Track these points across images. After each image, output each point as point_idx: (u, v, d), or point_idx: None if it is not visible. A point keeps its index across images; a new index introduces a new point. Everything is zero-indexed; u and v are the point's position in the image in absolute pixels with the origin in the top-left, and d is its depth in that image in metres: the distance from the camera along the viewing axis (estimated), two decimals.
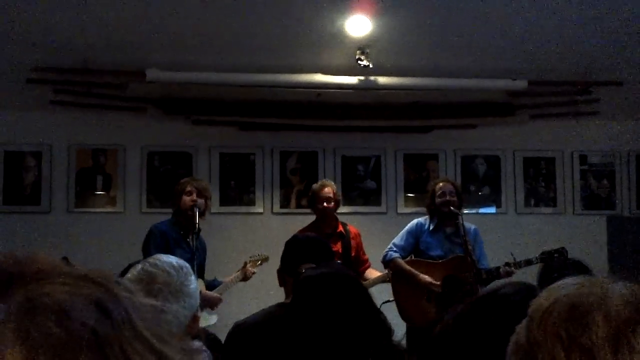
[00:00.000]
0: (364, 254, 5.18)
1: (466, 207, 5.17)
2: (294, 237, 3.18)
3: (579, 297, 0.91)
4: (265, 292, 4.87)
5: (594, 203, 6.87)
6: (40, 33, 4.78)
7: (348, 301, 2.01)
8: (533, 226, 6.59)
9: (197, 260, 4.30)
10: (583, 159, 6.89)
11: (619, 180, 6.90)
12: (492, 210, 6.72)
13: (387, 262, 4.90)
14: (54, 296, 0.52)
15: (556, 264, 3.16)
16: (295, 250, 2.87)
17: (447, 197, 4.80)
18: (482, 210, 6.66)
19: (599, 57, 5.42)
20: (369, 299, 2.10)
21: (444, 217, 4.84)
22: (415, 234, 4.94)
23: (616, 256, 6.46)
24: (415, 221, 5.02)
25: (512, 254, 4.73)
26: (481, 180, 6.75)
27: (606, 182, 6.91)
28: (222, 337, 2.91)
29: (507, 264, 4.69)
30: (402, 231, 5.02)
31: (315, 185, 5.18)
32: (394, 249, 4.93)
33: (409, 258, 4.96)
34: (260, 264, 5.03)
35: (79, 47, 5.03)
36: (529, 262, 4.65)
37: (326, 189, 5.05)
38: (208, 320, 4.57)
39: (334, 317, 1.93)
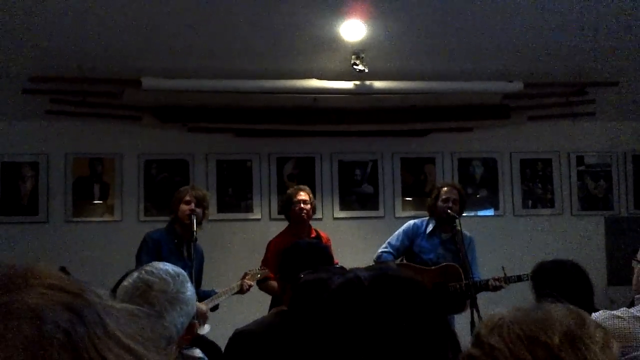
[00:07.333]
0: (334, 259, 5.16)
1: (464, 211, 5.17)
2: (295, 243, 3.15)
3: (525, 310, 1.03)
4: (261, 300, 4.86)
5: (591, 204, 6.87)
6: (36, 43, 4.78)
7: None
8: (531, 228, 6.59)
9: (195, 269, 4.27)
10: (580, 159, 6.89)
11: (616, 181, 6.91)
12: (490, 212, 6.72)
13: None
14: (27, 302, 0.55)
15: (551, 269, 3.08)
16: (295, 257, 2.86)
17: (450, 204, 4.79)
18: (480, 213, 6.66)
19: (594, 58, 5.42)
20: None
21: (442, 221, 4.83)
22: (411, 236, 4.93)
23: (614, 256, 6.47)
24: (412, 222, 5.03)
25: (503, 268, 4.66)
26: (478, 183, 6.74)
27: (603, 182, 6.91)
28: (222, 344, 2.90)
29: (495, 279, 4.63)
30: (398, 231, 5.02)
31: (289, 190, 5.14)
32: (389, 249, 4.94)
33: (399, 260, 4.95)
34: (260, 277, 4.87)
35: (74, 56, 5.02)
36: (519, 279, 4.56)
37: (301, 193, 5.00)
38: (199, 330, 4.52)
39: (332, 322, 1.92)
